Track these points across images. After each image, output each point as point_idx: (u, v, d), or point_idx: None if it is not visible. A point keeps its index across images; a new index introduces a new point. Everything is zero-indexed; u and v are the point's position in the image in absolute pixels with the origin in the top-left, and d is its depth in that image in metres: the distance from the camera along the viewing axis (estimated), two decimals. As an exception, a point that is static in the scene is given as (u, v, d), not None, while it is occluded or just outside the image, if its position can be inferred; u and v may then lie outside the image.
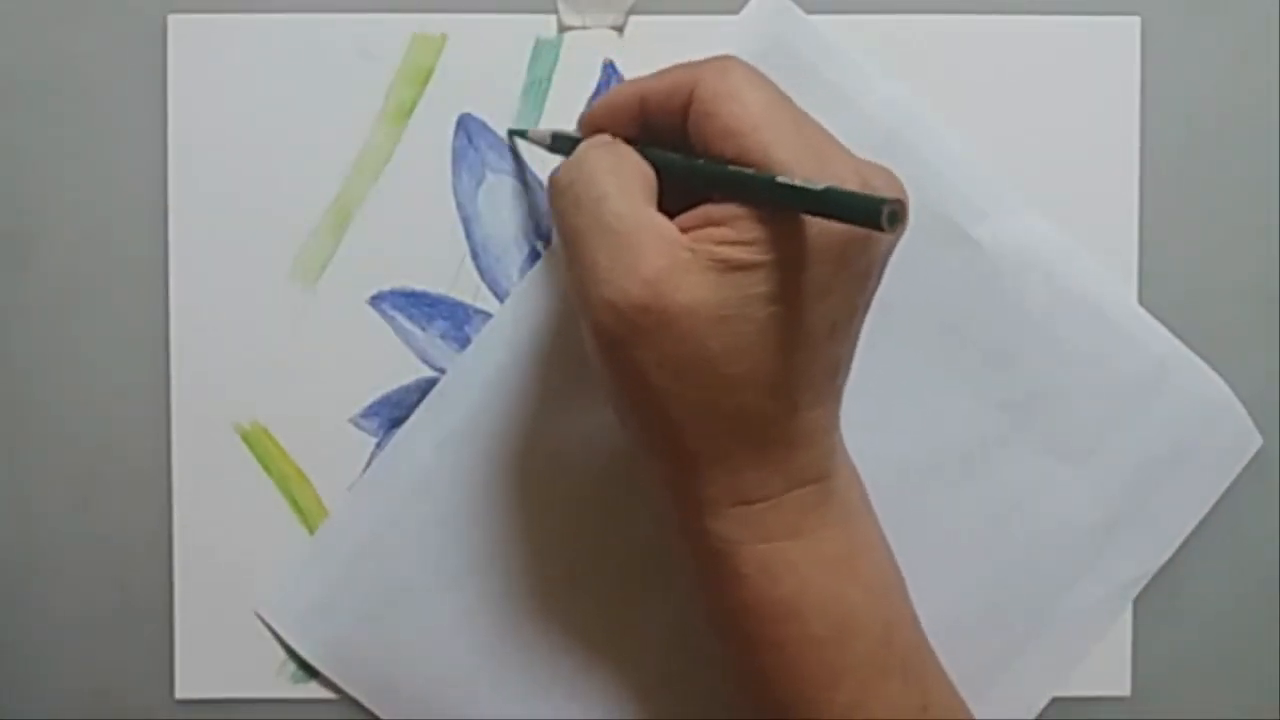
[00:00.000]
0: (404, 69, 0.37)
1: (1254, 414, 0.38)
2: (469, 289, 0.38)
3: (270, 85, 0.37)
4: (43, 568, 0.38)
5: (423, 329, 0.38)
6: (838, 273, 0.29)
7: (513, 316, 0.37)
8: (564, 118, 0.37)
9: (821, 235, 0.28)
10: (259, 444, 0.38)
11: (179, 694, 0.38)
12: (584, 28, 0.37)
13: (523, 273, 0.38)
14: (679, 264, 0.29)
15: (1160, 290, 0.38)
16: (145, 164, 0.38)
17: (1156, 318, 0.38)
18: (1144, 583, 0.38)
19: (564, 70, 0.37)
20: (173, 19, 0.37)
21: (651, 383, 0.30)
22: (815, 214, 0.28)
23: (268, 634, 0.38)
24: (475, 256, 0.38)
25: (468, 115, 0.38)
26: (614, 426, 0.33)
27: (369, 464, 0.38)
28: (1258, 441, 0.38)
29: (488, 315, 0.38)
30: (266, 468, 0.38)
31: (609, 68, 0.37)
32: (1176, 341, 0.38)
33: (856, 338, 0.32)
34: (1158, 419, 0.38)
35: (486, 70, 0.37)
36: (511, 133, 0.37)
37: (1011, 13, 0.38)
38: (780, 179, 0.28)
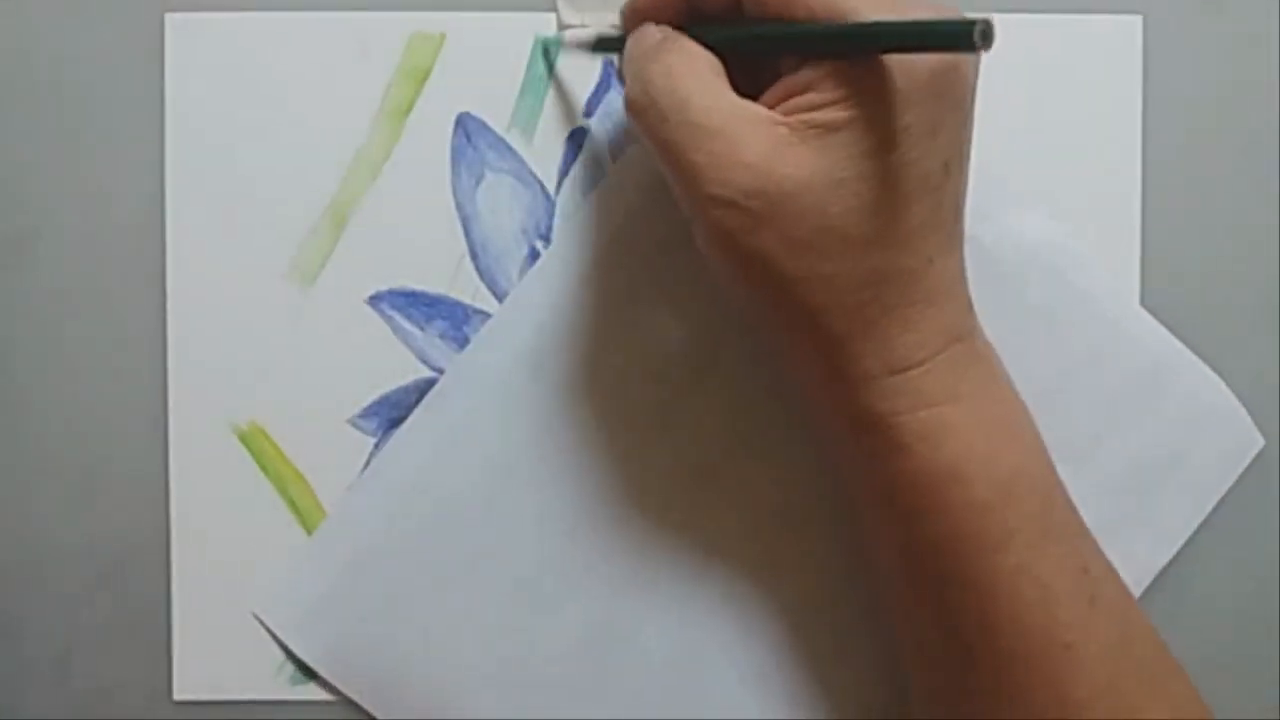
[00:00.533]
0: (402, 67, 0.37)
1: (1255, 415, 0.38)
2: (468, 289, 0.38)
3: (268, 84, 0.37)
4: (41, 568, 0.38)
5: (421, 329, 0.38)
6: (936, 107, 0.29)
7: (512, 317, 0.37)
8: (564, 117, 0.37)
9: (908, 75, 0.28)
10: (257, 445, 0.38)
11: (177, 695, 0.38)
12: (583, 26, 0.37)
13: (522, 272, 0.38)
14: (780, 141, 0.29)
15: (1162, 289, 0.38)
16: (143, 163, 0.37)
17: (1158, 317, 0.38)
18: (1145, 585, 0.38)
19: (563, 69, 0.37)
20: (170, 17, 0.37)
21: (783, 268, 0.29)
22: (904, 50, 0.27)
23: (266, 635, 0.38)
24: (474, 256, 0.38)
25: (466, 114, 0.37)
26: (611, 428, 0.33)
27: (367, 464, 0.38)
28: (1259, 443, 0.38)
29: (487, 315, 0.38)
30: (264, 469, 0.38)
31: (609, 66, 0.37)
32: (1177, 342, 0.38)
33: (968, 178, 0.31)
34: (1158, 420, 0.38)
35: (485, 69, 0.37)
36: (546, 47, 0.37)
37: (1013, 11, 0.37)
38: (861, 22, 0.28)
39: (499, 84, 0.37)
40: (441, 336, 0.38)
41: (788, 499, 0.38)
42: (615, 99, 0.37)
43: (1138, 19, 0.38)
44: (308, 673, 0.38)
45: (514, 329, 0.37)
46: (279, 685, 0.38)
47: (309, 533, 0.38)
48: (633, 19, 0.33)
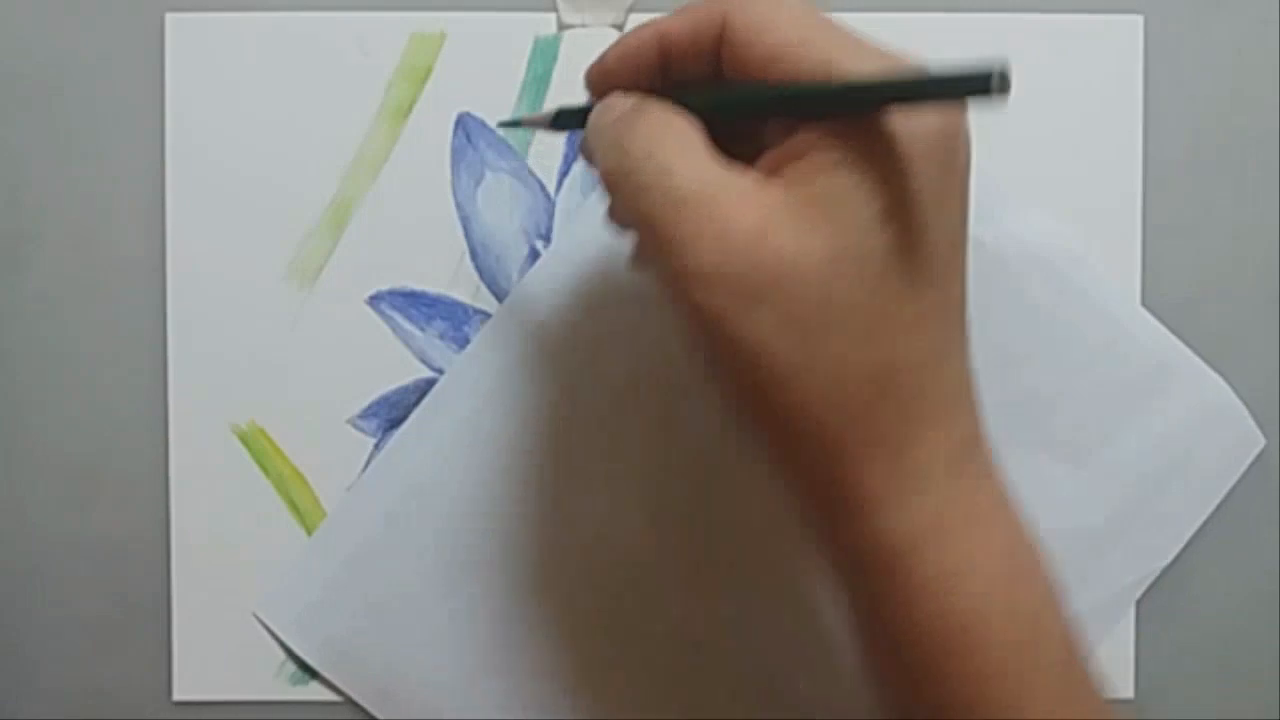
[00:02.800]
0: (403, 67, 0.37)
1: (1255, 414, 0.38)
2: (468, 289, 0.38)
3: (268, 84, 0.37)
4: (40, 569, 0.38)
5: (421, 329, 0.38)
6: (942, 176, 0.26)
7: (512, 317, 0.37)
8: (563, 117, 0.37)
9: (912, 138, 0.25)
10: (257, 445, 0.38)
11: (176, 696, 0.38)
12: (583, 26, 0.37)
13: (522, 272, 0.38)
14: (775, 211, 0.25)
15: (1162, 289, 0.38)
16: (143, 163, 0.37)
17: (1158, 316, 0.38)
18: (1147, 585, 0.38)
19: (563, 69, 0.37)
20: (171, 17, 0.37)
21: (779, 356, 0.25)
22: (912, 102, 0.25)
23: (266, 636, 0.38)
24: (474, 256, 0.38)
25: (467, 114, 0.37)
26: (611, 428, 0.32)
27: (367, 464, 0.38)
28: (1260, 442, 0.38)
29: (487, 315, 0.38)
30: (264, 468, 0.38)
31: (609, 66, 0.37)
32: (1178, 343, 0.38)
33: (966, 216, 0.28)
34: (1160, 421, 0.38)
35: (485, 69, 0.37)
36: (503, 125, 0.37)
37: (1014, 11, 0.37)
38: (865, 78, 0.25)
39: (499, 84, 0.37)
40: (441, 336, 0.38)
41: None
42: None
43: (1138, 19, 0.38)
44: (308, 671, 0.38)
45: (513, 330, 0.37)
46: (279, 685, 0.38)
47: (309, 533, 0.38)
48: (600, 84, 0.30)
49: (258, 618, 0.38)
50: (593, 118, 0.29)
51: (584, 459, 0.37)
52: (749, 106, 0.27)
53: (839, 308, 0.25)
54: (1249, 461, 0.38)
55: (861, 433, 0.26)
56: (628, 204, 0.27)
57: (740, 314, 0.25)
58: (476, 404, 0.37)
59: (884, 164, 0.25)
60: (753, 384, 0.26)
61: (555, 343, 0.37)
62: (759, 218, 0.25)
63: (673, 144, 0.27)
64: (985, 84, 0.23)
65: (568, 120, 0.32)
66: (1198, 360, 0.38)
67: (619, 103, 0.28)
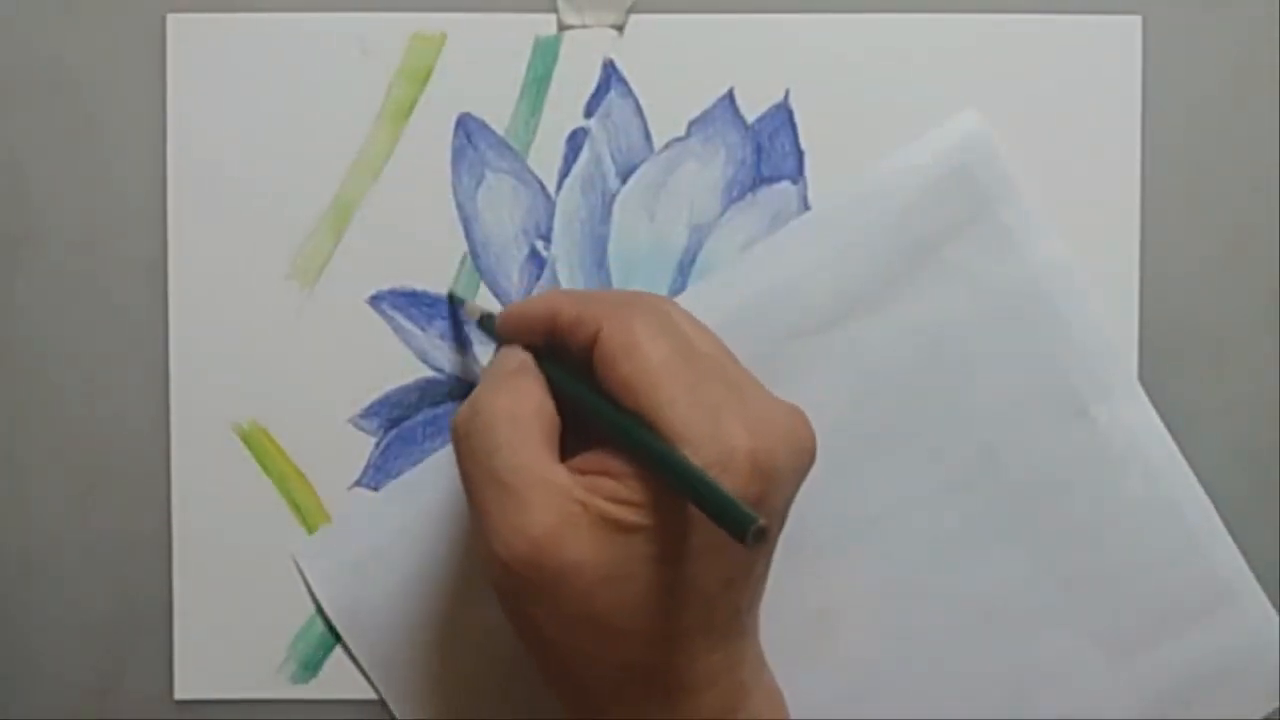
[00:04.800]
0: (403, 68, 0.37)
1: (1254, 413, 0.38)
2: (469, 289, 0.38)
3: (269, 84, 0.37)
4: (42, 568, 0.38)
5: (422, 329, 0.38)
6: (737, 559, 0.29)
7: None
8: (564, 116, 0.37)
9: (714, 530, 0.28)
10: (258, 444, 0.38)
11: (178, 694, 0.38)
12: (584, 26, 0.37)
13: (522, 272, 0.38)
14: (567, 520, 0.28)
15: (1161, 289, 0.38)
16: (144, 163, 0.38)
17: (1158, 317, 0.38)
18: None
19: (564, 69, 0.37)
20: (172, 18, 0.37)
21: (546, 635, 0.30)
22: (686, 494, 0.27)
23: (267, 634, 0.38)
24: (475, 256, 0.38)
25: (467, 115, 0.37)
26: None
27: (368, 464, 0.38)
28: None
29: (487, 315, 0.38)
30: (265, 468, 0.38)
31: (609, 66, 0.37)
32: (1246, 567, 0.37)
33: (764, 576, 0.32)
34: (1210, 637, 0.37)
35: (486, 69, 0.37)
36: (450, 296, 0.37)
37: (1012, 11, 0.38)
38: (665, 452, 0.28)
39: (500, 84, 0.37)
40: (442, 336, 0.38)
41: (802, 516, 0.37)
42: (615, 100, 0.38)
43: (1137, 19, 0.38)
44: (309, 671, 0.38)
45: None
46: (280, 684, 0.38)
47: (310, 531, 0.38)
48: (504, 330, 0.33)
49: (295, 560, 0.37)
50: (492, 359, 0.33)
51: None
52: (585, 406, 0.30)
53: (599, 616, 0.29)
54: (1275, 705, 0.37)
55: (610, 697, 0.30)
56: (460, 459, 0.31)
57: (522, 597, 0.29)
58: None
59: (670, 515, 0.28)
60: (530, 646, 0.31)
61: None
62: (553, 523, 0.28)
63: (513, 427, 0.30)
64: (742, 532, 0.26)
65: (488, 326, 0.35)
66: (1259, 591, 0.37)
67: (510, 359, 0.32)
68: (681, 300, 0.37)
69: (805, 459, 0.31)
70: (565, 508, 0.29)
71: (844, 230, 0.37)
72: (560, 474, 0.29)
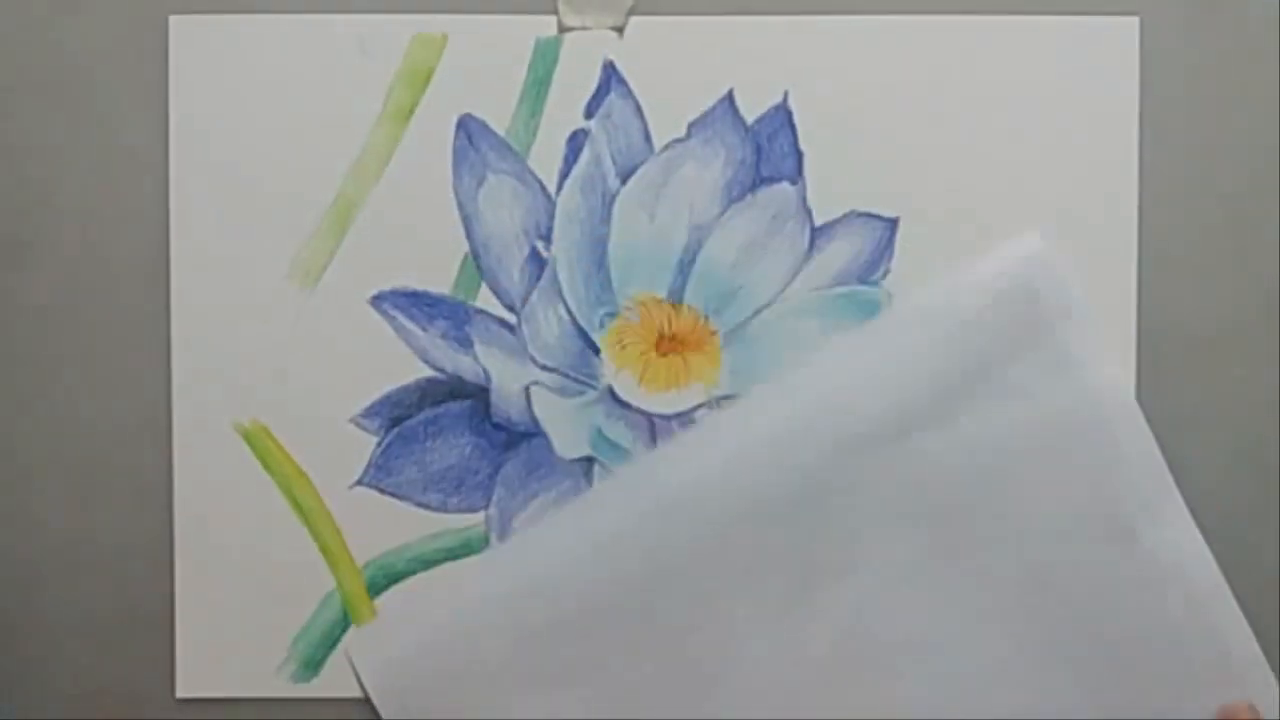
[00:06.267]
0: (404, 69, 0.38)
1: (1254, 413, 0.38)
2: (470, 289, 0.38)
3: (271, 85, 0.38)
4: (44, 567, 0.38)
5: (423, 329, 0.38)
6: None
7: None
8: (564, 117, 0.38)
9: None
10: (259, 443, 0.38)
11: (180, 693, 0.38)
12: (584, 28, 0.38)
13: (523, 272, 0.38)
14: None
15: (1160, 290, 0.38)
16: (146, 164, 0.38)
17: (1157, 317, 0.38)
18: None
19: (564, 70, 0.38)
20: (174, 19, 0.38)
21: None
22: None
23: (268, 633, 0.38)
24: (476, 256, 0.38)
25: (468, 115, 0.38)
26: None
27: (369, 463, 0.38)
28: None
29: (488, 315, 0.38)
30: (267, 467, 0.38)
31: (609, 68, 0.38)
32: (1260, 653, 0.37)
33: None
34: (1211, 708, 0.37)
35: (487, 70, 0.38)
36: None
37: (1011, 13, 0.38)
38: None
39: (500, 85, 0.38)
40: (443, 336, 0.38)
41: (854, 634, 0.37)
42: (615, 101, 0.38)
43: (1134, 20, 0.38)
44: (310, 670, 0.38)
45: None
46: (281, 683, 0.38)
47: (310, 531, 0.38)
48: None
49: (347, 654, 0.38)
50: None
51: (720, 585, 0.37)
52: None
53: None
54: None
55: None
56: None
57: None
58: (634, 518, 0.37)
59: None
60: None
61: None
62: None
63: None
64: None
65: None
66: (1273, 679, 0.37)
67: None
68: (735, 406, 0.37)
69: None
70: None
71: (903, 344, 0.37)
72: None
